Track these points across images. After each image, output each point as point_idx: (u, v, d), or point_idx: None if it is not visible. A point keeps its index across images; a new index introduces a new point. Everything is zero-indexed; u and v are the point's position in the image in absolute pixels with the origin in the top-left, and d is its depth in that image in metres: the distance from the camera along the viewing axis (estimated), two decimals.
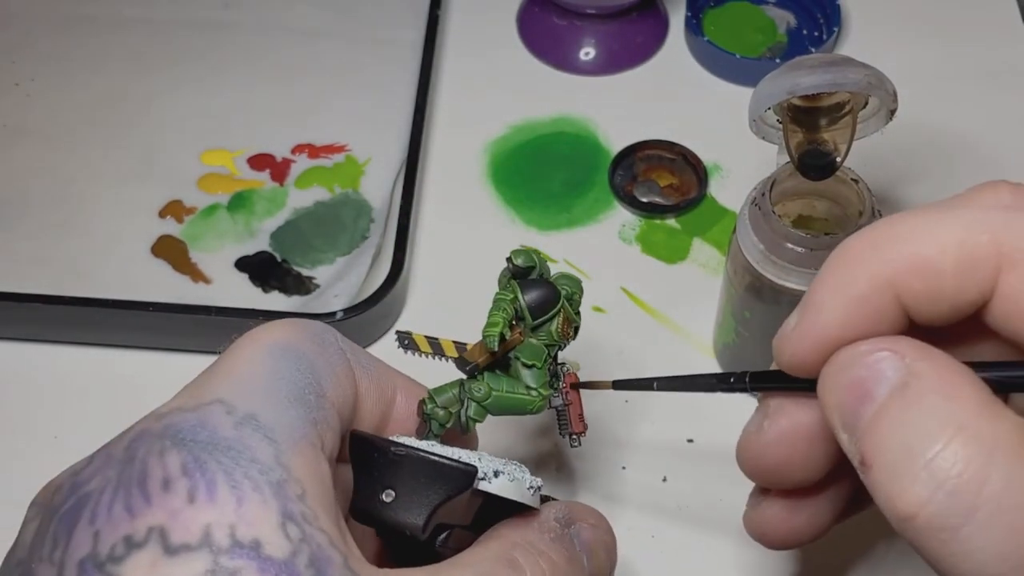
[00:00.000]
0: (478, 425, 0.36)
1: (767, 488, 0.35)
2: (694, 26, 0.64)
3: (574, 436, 0.39)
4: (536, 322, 0.36)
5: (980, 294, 0.28)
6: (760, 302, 0.47)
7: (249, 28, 0.67)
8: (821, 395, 0.29)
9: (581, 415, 0.39)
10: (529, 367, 0.36)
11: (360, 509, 0.32)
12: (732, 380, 0.34)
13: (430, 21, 0.64)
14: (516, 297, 0.36)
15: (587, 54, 0.65)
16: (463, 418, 0.35)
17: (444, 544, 0.32)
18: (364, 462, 0.32)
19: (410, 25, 0.65)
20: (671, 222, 0.58)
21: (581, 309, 0.38)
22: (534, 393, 0.36)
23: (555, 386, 0.37)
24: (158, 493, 0.27)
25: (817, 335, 0.29)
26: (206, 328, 0.52)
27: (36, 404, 0.53)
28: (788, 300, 0.46)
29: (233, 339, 0.32)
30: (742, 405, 0.52)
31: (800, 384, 0.31)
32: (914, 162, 0.58)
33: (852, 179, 0.45)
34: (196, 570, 0.25)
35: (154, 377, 0.52)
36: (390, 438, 0.33)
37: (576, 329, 0.38)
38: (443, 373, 0.37)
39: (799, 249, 0.44)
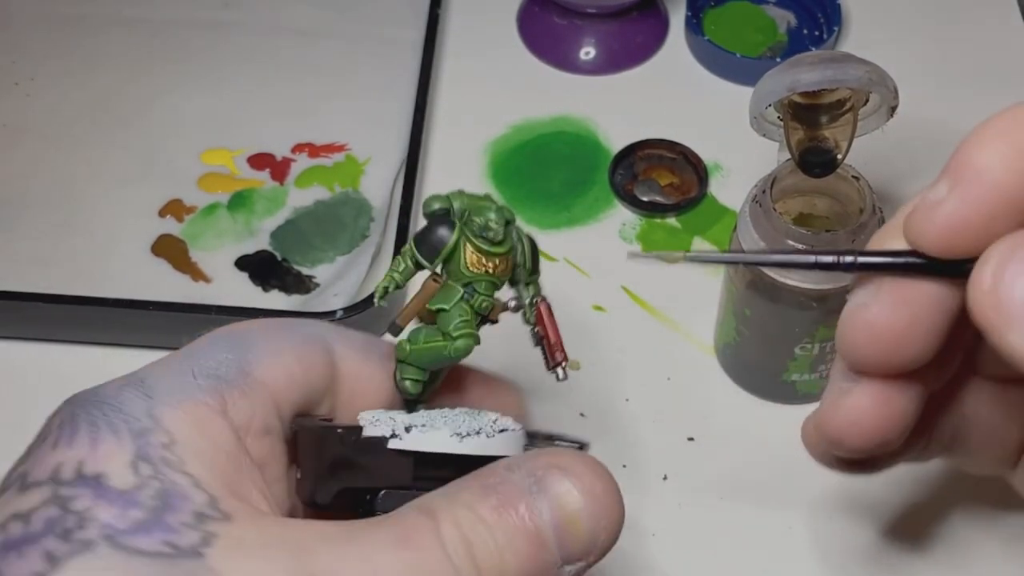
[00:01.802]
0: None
1: (860, 373, 0.30)
2: (694, 26, 0.64)
3: (558, 368, 0.35)
4: (435, 263, 0.33)
5: None
6: (761, 300, 0.47)
7: (249, 28, 0.67)
8: (993, 291, 0.24)
9: (559, 343, 0.35)
10: (438, 312, 0.33)
11: (299, 493, 0.33)
12: (837, 259, 0.29)
13: (430, 21, 0.64)
14: (411, 246, 0.33)
15: (587, 54, 0.65)
16: (397, 382, 0.34)
17: (383, 507, 0.31)
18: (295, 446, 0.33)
19: (410, 25, 0.65)
20: (672, 221, 0.58)
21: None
22: (449, 338, 0.33)
23: (475, 325, 0.34)
24: (36, 446, 0.29)
25: (982, 205, 0.25)
26: (206, 327, 0.51)
27: (36, 404, 0.52)
28: (788, 298, 0.46)
29: None
30: (744, 405, 0.52)
31: (936, 266, 0.26)
32: (915, 159, 0.58)
33: (853, 176, 0.45)
34: (35, 500, 0.27)
35: None
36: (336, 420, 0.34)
37: (510, 260, 0.34)
38: None
39: (800, 247, 0.44)
